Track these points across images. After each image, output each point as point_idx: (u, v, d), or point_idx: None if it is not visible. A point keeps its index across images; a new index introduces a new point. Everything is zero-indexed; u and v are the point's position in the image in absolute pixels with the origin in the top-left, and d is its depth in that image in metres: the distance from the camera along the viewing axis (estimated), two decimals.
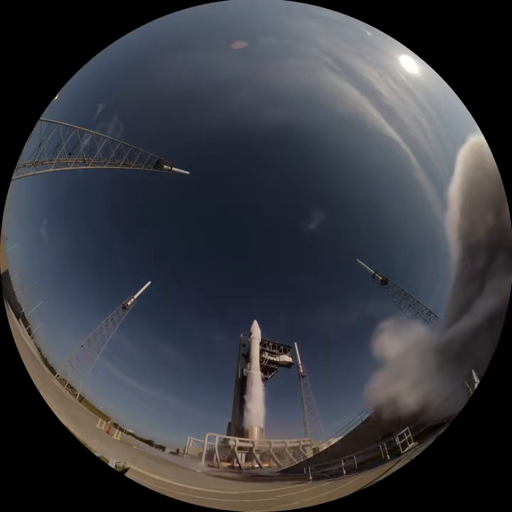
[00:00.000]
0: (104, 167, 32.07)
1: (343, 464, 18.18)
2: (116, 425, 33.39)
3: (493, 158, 6.71)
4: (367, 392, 28.85)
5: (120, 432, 32.64)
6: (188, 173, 41.55)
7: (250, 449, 37.72)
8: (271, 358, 50.37)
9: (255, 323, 51.92)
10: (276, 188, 59.98)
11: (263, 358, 49.36)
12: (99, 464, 8.67)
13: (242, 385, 47.26)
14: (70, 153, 28.28)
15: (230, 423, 44.87)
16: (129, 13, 7.69)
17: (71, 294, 48.78)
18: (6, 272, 29.81)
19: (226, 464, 35.46)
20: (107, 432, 29.88)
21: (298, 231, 61.23)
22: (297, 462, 33.10)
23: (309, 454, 36.02)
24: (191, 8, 9.49)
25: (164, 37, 45.01)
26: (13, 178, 19.04)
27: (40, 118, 22.76)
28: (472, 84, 6.84)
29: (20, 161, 24.11)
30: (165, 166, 38.57)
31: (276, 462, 36.09)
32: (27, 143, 16.08)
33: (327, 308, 56.76)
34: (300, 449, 38.37)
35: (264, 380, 48.47)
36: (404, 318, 38.26)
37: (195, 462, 33.66)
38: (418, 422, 16.43)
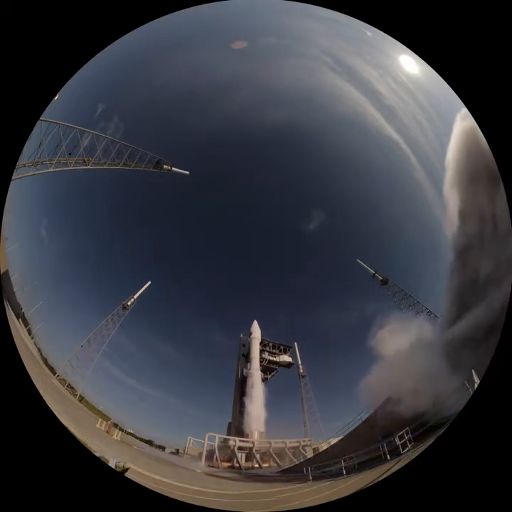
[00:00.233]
0: (104, 167, 32.07)
1: (343, 464, 18.17)
2: (116, 425, 33.40)
3: (493, 157, 6.72)
4: (366, 391, 28.89)
5: (120, 431, 32.65)
6: (188, 173, 41.57)
7: (250, 449, 37.72)
8: (271, 358, 50.38)
9: (255, 323, 51.92)
10: (276, 188, 60.03)
11: (263, 358, 49.36)
12: (99, 464, 8.66)
13: (242, 385, 47.26)
14: (70, 153, 28.28)
15: (230, 423, 44.90)
16: (129, 13, 7.69)
17: (71, 294, 48.82)
18: (6, 272, 29.80)
19: (226, 464, 35.45)
20: (107, 432, 29.88)
21: (298, 231, 61.31)
22: (297, 462, 33.08)
23: (309, 454, 36.01)
24: (191, 8, 9.49)
25: (164, 37, 45.04)
26: (13, 178, 19.03)
27: (40, 118, 22.76)
28: (472, 84, 6.84)
29: (20, 161, 24.11)
30: (165, 166, 38.58)
31: (276, 462, 36.08)
32: (27, 143, 16.06)
33: (327, 308, 56.79)
34: (300, 449, 38.37)
35: (264, 380, 48.48)
36: (404, 318, 38.23)
37: (195, 462, 33.66)
38: (418, 422, 16.43)
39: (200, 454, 35.45)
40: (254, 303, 60.53)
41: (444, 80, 7.88)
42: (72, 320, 47.76)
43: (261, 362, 48.71)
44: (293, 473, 27.38)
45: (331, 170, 55.70)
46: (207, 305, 65.91)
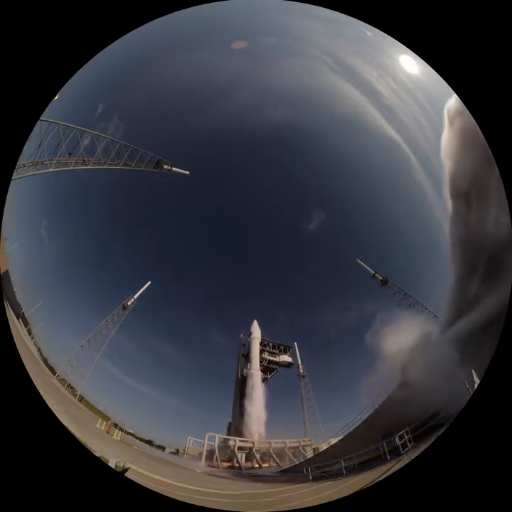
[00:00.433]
0: (104, 167, 32.08)
1: (343, 464, 18.18)
2: (116, 425, 33.40)
3: (492, 156, 6.72)
4: (366, 390, 28.90)
5: (120, 431, 32.65)
6: (188, 173, 41.58)
7: (250, 449, 37.73)
8: (271, 358, 50.38)
9: (255, 323, 51.92)
10: (276, 188, 60.02)
11: (263, 358, 49.36)
12: (99, 464, 8.66)
13: (242, 385, 47.26)
14: (70, 153, 28.28)
15: (230, 423, 44.89)
16: (129, 13, 7.69)
17: (71, 294, 48.82)
18: (6, 272, 29.80)
19: (226, 464, 35.45)
20: (107, 432, 29.88)
21: (298, 231, 61.30)
22: (297, 462, 33.07)
23: (309, 454, 36.00)
24: (191, 8, 9.49)
25: (164, 37, 45.04)
26: (13, 178, 19.02)
27: (40, 118, 22.76)
28: (472, 84, 6.84)
29: (20, 161, 24.11)
30: (165, 166, 38.59)
31: (276, 462, 36.08)
32: (27, 143, 16.05)
33: (327, 308, 56.76)
34: (300, 449, 38.37)
35: (264, 380, 48.48)
36: (404, 318, 38.22)
37: (195, 462, 33.66)
38: (418, 422, 16.43)
39: (200, 454, 35.45)
40: (254, 303, 60.55)
41: (444, 79, 7.89)
42: (72, 320, 47.78)
43: (261, 362, 48.71)
44: (293, 473, 27.38)
45: (331, 170, 55.72)
46: (207, 305, 65.93)
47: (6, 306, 24.43)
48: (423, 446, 13.74)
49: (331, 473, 19.01)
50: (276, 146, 56.09)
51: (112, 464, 11.98)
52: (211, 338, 68.99)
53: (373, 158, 51.80)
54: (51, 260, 48.30)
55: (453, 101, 24.15)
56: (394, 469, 12.97)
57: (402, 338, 31.91)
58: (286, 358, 51.15)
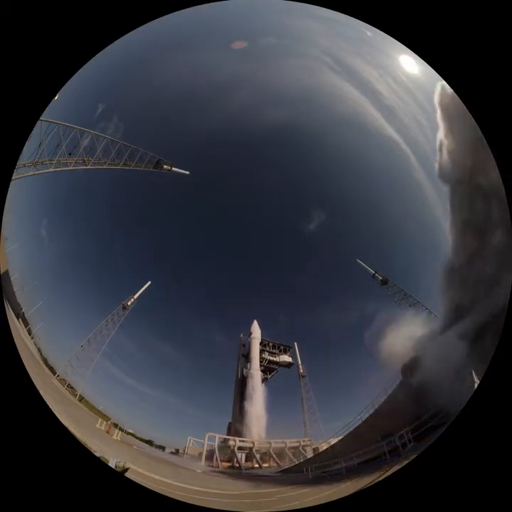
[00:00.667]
0: (104, 167, 32.09)
1: (343, 464, 18.18)
2: (116, 425, 33.39)
3: (492, 156, 6.72)
4: (366, 390, 28.88)
5: (120, 431, 32.65)
6: (188, 173, 41.57)
7: (250, 449, 37.71)
8: (271, 358, 50.36)
9: (255, 323, 51.91)
10: (276, 188, 59.97)
11: (263, 358, 49.34)
12: (99, 464, 8.66)
13: (242, 385, 47.24)
14: (70, 153, 28.29)
15: (230, 423, 44.84)
16: (129, 13, 7.68)
17: (71, 294, 48.76)
18: (6, 272, 29.80)
19: (226, 464, 35.44)
20: (107, 432, 29.88)
21: (298, 231, 61.27)
22: (297, 462, 33.08)
23: (309, 454, 35.99)
24: (191, 8, 9.50)
25: (164, 37, 45.02)
26: (13, 178, 19.01)
27: (40, 118, 22.76)
28: (472, 84, 6.84)
29: (20, 161, 24.10)
30: (165, 166, 38.59)
31: (276, 462, 36.07)
32: (27, 143, 16.05)
33: (327, 308, 56.70)
34: (300, 449, 38.34)
35: (264, 380, 48.47)
36: (404, 318, 38.22)
37: (195, 462, 33.66)
38: (418, 422, 16.43)
39: (200, 454, 35.43)
40: (254, 303, 60.49)
41: (444, 79, 7.89)
42: (72, 320, 47.73)
43: (261, 362, 48.69)
44: (293, 473, 27.38)
45: (331, 170, 55.69)
46: (207, 305, 65.85)
47: (6, 306, 24.43)
48: (423, 446, 13.73)
49: (331, 473, 19.01)
50: (276, 146, 56.07)
51: (112, 464, 11.98)
52: (211, 338, 68.93)
53: (373, 158, 51.78)
54: (51, 260, 48.30)
55: (453, 100, 24.16)
56: (394, 469, 12.96)
57: (402, 338, 31.91)
58: (286, 358, 51.14)
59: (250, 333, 50.97)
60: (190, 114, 54.99)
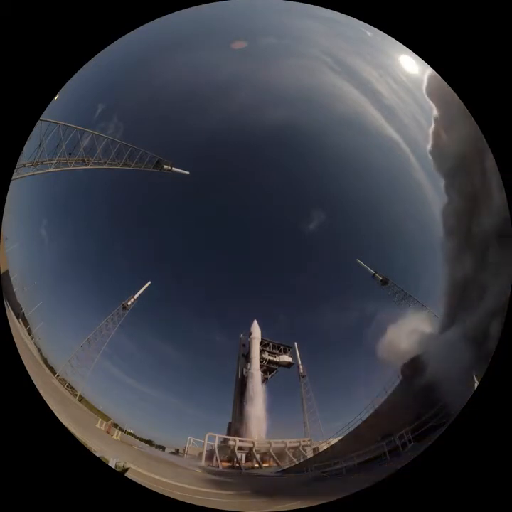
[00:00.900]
0: (104, 167, 32.08)
1: (343, 464, 18.18)
2: (116, 425, 33.40)
3: (492, 156, 6.72)
4: (366, 389, 28.88)
5: (120, 431, 32.65)
6: (188, 173, 41.56)
7: (250, 449, 37.71)
8: (271, 358, 50.36)
9: (255, 323, 51.90)
10: (276, 188, 59.97)
11: (263, 358, 49.34)
12: (99, 464, 8.66)
13: (242, 385, 47.24)
14: (70, 153, 28.29)
15: (230, 423, 44.84)
16: (129, 13, 7.68)
17: (71, 294, 48.77)
18: (6, 272, 29.80)
19: (226, 464, 35.44)
20: (107, 432, 29.89)
21: (298, 231, 61.27)
22: (297, 462, 33.09)
23: (309, 454, 36.00)
24: (191, 8, 9.49)
25: (164, 37, 45.01)
26: (13, 178, 19.01)
27: (40, 118, 22.76)
28: (472, 84, 6.84)
29: (20, 161, 24.10)
30: (165, 166, 38.58)
31: (277, 462, 36.07)
32: (27, 143, 16.05)
33: (327, 308, 56.71)
34: (300, 449, 38.33)
35: (264, 380, 48.47)
36: (404, 318, 38.23)
37: (195, 462, 33.66)
38: (418, 422, 16.44)
39: (200, 454, 35.43)
40: (254, 303, 60.50)
41: (444, 79, 7.89)
42: (72, 320, 47.73)
43: (261, 362, 48.68)
44: (293, 473, 27.39)
45: (331, 170, 55.71)
46: (207, 305, 65.87)
47: (6, 306, 24.42)
48: (423, 446, 13.73)
49: (331, 473, 19.01)
50: (276, 146, 56.09)
51: (112, 464, 11.98)
52: (211, 338, 68.95)
53: (373, 158, 51.80)
54: (51, 260, 48.30)
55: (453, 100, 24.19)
56: (394, 469, 12.95)
57: (402, 338, 31.91)
58: (286, 358, 51.12)
59: (250, 333, 50.96)
60: (190, 114, 55.01)
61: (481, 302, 18.46)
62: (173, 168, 39.63)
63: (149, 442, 39.26)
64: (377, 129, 49.57)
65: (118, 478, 7.58)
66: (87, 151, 29.88)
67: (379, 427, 21.30)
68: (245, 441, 38.29)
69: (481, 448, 4.79)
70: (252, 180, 59.55)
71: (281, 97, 52.90)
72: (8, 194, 6.45)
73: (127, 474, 12.83)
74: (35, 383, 6.53)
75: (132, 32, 8.55)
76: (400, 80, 43.82)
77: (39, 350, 35.22)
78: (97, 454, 12.79)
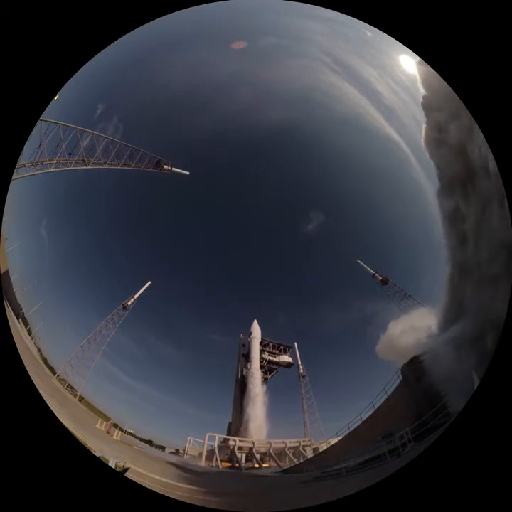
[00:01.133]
0: (104, 167, 32.08)
1: (343, 464, 18.17)
2: (116, 425, 33.42)
3: (493, 157, 6.72)
4: (366, 389, 28.87)
5: (120, 431, 32.67)
6: (188, 173, 41.58)
7: (250, 449, 37.71)
8: (271, 358, 50.35)
9: (255, 323, 51.87)
10: (276, 188, 60.07)
11: (263, 358, 49.35)
12: (99, 464, 8.65)
13: (242, 385, 47.24)
14: (70, 153, 28.28)
15: (230, 423, 44.86)
16: (129, 13, 7.68)
17: (71, 294, 48.89)
18: (6, 272, 29.80)
19: (226, 464, 35.45)
20: (107, 432, 29.90)
21: (298, 231, 61.36)
22: (297, 462, 33.08)
23: (309, 454, 36.01)
24: (191, 8, 9.48)
25: (164, 37, 45.06)
26: (13, 178, 19.02)
27: (40, 118, 22.76)
28: (472, 84, 6.84)
29: (20, 161, 24.11)
30: (165, 166, 38.58)
31: (276, 462, 36.07)
32: (27, 143, 16.08)
33: (327, 309, 56.85)
34: (300, 449, 38.36)
35: (264, 380, 48.47)
36: (404, 318, 38.22)
37: (195, 462, 33.66)
38: (418, 422, 16.43)
39: (200, 454, 35.45)
40: (254, 303, 60.65)
41: (444, 79, 7.89)
42: (72, 320, 47.84)
43: (261, 362, 48.68)
44: (293, 473, 27.38)
45: (331, 170, 55.77)
46: (207, 305, 66.00)
47: (6, 306, 24.43)
48: (423, 446, 13.73)
49: (331, 473, 19.00)
50: (276, 145, 56.17)
51: (111, 464, 11.98)
52: (211, 338, 69.12)
53: (373, 158, 51.86)
54: (51, 260, 48.41)
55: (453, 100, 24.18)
56: (394, 469, 12.94)
57: (402, 337, 31.90)
58: (286, 358, 51.12)
59: (250, 333, 50.94)
60: (190, 114, 55.13)
61: (482, 302, 18.46)
62: (173, 169, 39.63)
63: (149, 442, 39.32)
64: (378, 129, 49.62)
65: (118, 478, 7.57)
66: (87, 151, 29.90)
67: (379, 427, 21.30)
68: (245, 441, 38.28)
69: (481, 448, 4.79)
70: (252, 180, 59.66)
71: (281, 97, 53.02)
72: (8, 194, 6.44)
73: (127, 474, 12.84)
74: (35, 383, 6.53)
75: (132, 32, 8.54)
76: (399, 80, 43.87)
77: (39, 350, 35.25)
78: (97, 454, 12.79)
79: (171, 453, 38.65)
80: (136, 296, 48.22)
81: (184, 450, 37.21)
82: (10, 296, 30.60)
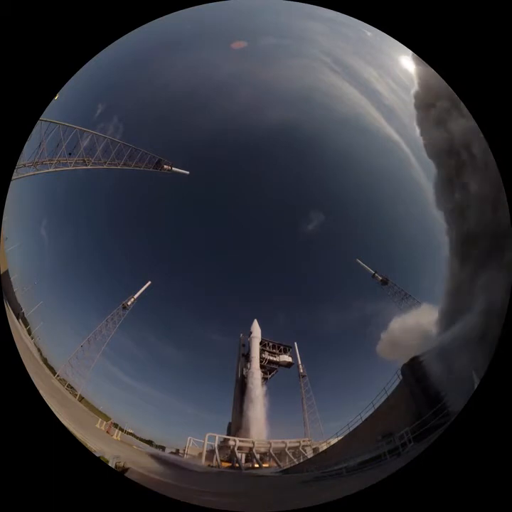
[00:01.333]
0: (104, 167, 32.07)
1: (343, 464, 18.16)
2: (116, 425, 33.42)
3: (493, 157, 6.72)
4: (366, 389, 28.86)
5: (120, 431, 32.67)
6: (188, 173, 41.58)
7: (250, 449, 37.70)
8: (271, 358, 50.32)
9: (255, 322, 51.84)
10: (276, 188, 60.06)
11: (263, 358, 49.31)
12: (99, 464, 8.65)
13: (242, 384, 47.22)
14: (70, 153, 28.29)
15: (230, 423, 44.83)
16: (128, 13, 7.68)
17: (71, 294, 48.91)
18: (6, 272, 29.79)
19: (226, 464, 35.44)
20: (107, 432, 29.91)
21: (298, 231, 61.35)
22: (297, 462, 33.07)
23: (309, 454, 36.00)
24: (191, 8, 9.47)
25: (164, 37, 45.07)
26: (13, 178, 19.00)
27: (40, 118, 22.75)
28: (472, 84, 6.84)
29: (20, 161, 24.11)
30: (165, 166, 38.59)
31: (276, 462, 36.06)
32: (27, 143, 16.07)
33: (327, 309, 56.86)
34: (300, 449, 38.35)
35: (265, 379, 48.44)
36: (404, 318, 38.21)
37: (195, 462, 33.66)
38: (418, 422, 16.42)
39: (200, 454, 35.44)
40: (254, 303, 60.65)
41: (444, 79, 7.89)
42: (72, 320, 47.85)
43: (261, 362, 48.65)
44: (293, 473, 27.37)
45: (331, 170, 55.76)
46: (207, 305, 66.01)
47: (6, 306, 24.41)
48: (423, 446, 13.73)
49: (331, 473, 18.99)
50: (276, 145, 56.17)
51: (111, 464, 11.99)
52: (211, 338, 69.11)
53: (373, 158, 51.88)
54: (51, 260, 48.43)
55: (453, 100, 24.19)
56: (394, 469, 12.94)
57: (402, 337, 31.89)
58: (286, 358, 51.08)
59: (250, 332, 50.91)
60: (189, 114, 55.13)
61: (482, 302, 18.45)
62: (173, 168, 39.64)
63: (149, 442, 39.31)
64: (378, 129, 49.64)
65: (118, 478, 7.57)
66: (87, 151, 29.90)
67: (379, 426, 21.29)
68: (245, 441, 38.27)
69: (481, 448, 4.79)
70: (253, 180, 59.66)
71: (281, 97, 53.05)
72: (8, 194, 6.44)
73: (127, 474, 12.84)
74: (35, 383, 6.53)
75: (132, 32, 8.54)
76: (399, 80, 43.88)
77: (39, 350, 35.25)
78: (97, 454, 12.79)
79: (171, 453, 38.64)
80: (136, 296, 48.22)
81: (184, 450, 37.20)
82: (10, 296, 30.60)
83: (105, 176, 43.68)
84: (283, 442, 38.44)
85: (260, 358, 48.77)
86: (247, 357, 49.26)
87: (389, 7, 7.36)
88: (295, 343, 53.22)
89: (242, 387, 46.90)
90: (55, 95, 10.66)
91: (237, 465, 35.47)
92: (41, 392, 7.48)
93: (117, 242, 58.03)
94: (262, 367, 48.32)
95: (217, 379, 58.47)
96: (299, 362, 51.21)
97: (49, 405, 7.58)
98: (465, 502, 4.39)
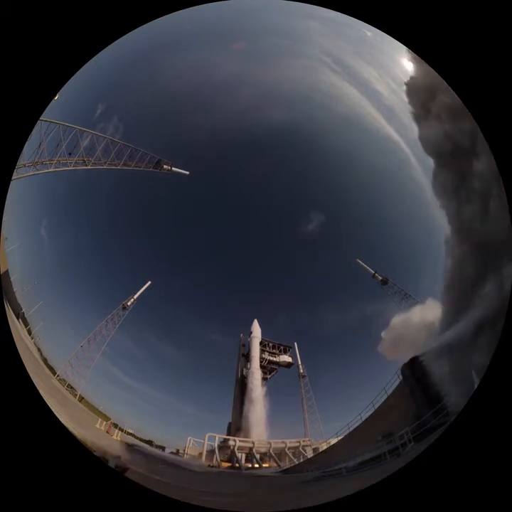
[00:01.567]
0: (104, 167, 32.08)
1: (343, 464, 18.16)
2: (116, 425, 33.40)
3: (493, 157, 6.72)
4: (366, 389, 28.85)
5: (120, 431, 32.65)
6: (187, 173, 41.60)
7: (250, 449, 37.69)
8: (271, 358, 50.31)
9: (255, 322, 51.82)
10: (276, 188, 60.07)
11: (263, 358, 49.30)
12: (99, 464, 8.65)
13: (242, 385, 47.21)
14: (70, 153, 28.30)
15: (230, 423, 44.82)
16: (129, 13, 7.68)
17: (71, 294, 48.86)
18: (6, 272, 29.78)
19: (226, 464, 35.43)
20: (107, 432, 29.89)
21: (298, 231, 61.36)
22: (297, 462, 33.07)
23: (309, 454, 36.00)
24: (191, 8, 9.47)
25: (164, 37, 45.08)
26: (13, 178, 19.00)
27: (40, 118, 22.75)
28: (472, 84, 6.84)
29: (20, 161, 24.11)
30: (165, 166, 38.59)
31: (276, 462, 36.06)
32: (27, 143, 16.06)
33: (327, 309, 56.84)
34: (300, 449, 38.35)
35: (264, 379, 48.43)
36: (404, 317, 38.20)
37: (195, 462, 33.65)
38: (418, 422, 16.42)
39: (200, 454, 35.44)
40: (254, 303, 60.62)
41: (444, 79, 7.89)
42: (72, 320, 47.80)
43: (261, 362, 48.63)
44: (293, 473, 27.37)
45: (331, 170, 55.75)
46: (207, 305, 66.00)
47: (6, 306, 24.41)
48: (423, 446, 13.72)
49: (331, 473, 18.98)
50: (276, 145, 56.17)
51: (111, 464, 12.00)
52: (211, 338, 69.11)
53: (373, 158, 51.87)
54: (51, 260, 48.39)
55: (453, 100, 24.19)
56: (394, 469, 12.93)
57: (402, 337, 31.90)
58: (286, 358, 51.08)
59: (250, 332, 50.89)
60: (190, 114, 55.10)
61: (482, 302, 18.45)
62: (173, 168, 39.64)
63: (149, 442, 39.28)
64: (378, 129, 49.65)
65: (118, 478, 7.57)
66: (87, 151, 29.91)
67: (379, 426, 21.28)
68: (245, 441, 38.26)
69: (481, 448, 4.79)
70: (253, 180, 59.65)
71: (281, 97, 53.05)
72: (8, 194, 6.44)
73: (127, 474, 12.83)
74: (35, 383, 6.53)
75: (132, 32, 8.54)
76: (399, 80, 43.83)
77: (39, 350, 35.24)
78: (97, 454, 12.80)
79: (171, 453, 38.62)
80: (136, 296, 48.20)
81: (184, 450, 37.19)
82: (10, 296, 30.59)
83: (105, 176, 43.67)
84: (283, 442, 38.44)
85: (260, 358, 48.75)
86: (247, 357, 49.25)
87: (389, 7, 7.36)
88: (295, 343, 53.25)
89: (242, 387, 46.89)
90: (55, 95, 10.67)
91: (237, 465, 35.47)
92: (41, 392, 7.48)
93: (117, 242, 57.99)
94: (262, 367, 48.30)
95: (217, 379, 58.44)
96: (299, 362, 51.24)
97: (49, 405, 7.58)
98: (465, 502, 4.39)
